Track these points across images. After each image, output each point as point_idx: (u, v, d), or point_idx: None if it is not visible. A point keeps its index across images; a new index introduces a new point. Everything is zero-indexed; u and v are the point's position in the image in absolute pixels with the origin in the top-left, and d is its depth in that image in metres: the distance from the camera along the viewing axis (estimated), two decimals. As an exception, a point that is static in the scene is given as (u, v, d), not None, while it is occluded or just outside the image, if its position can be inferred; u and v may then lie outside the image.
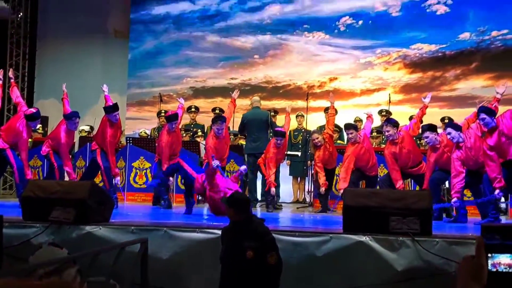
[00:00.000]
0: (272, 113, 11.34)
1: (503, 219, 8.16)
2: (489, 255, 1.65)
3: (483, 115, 7.09)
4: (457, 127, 7.58)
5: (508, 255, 1.65)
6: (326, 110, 11.22)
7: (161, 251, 5.64)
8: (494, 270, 1.62)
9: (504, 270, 1.64)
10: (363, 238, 5.32)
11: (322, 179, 9.04)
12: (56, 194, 5.95)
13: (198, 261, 5.61)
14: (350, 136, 8.93)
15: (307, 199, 11.07)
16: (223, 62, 14.35)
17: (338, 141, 11.12)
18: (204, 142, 9.95)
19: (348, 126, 9.07)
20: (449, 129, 7.56)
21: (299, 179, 11.68)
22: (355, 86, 13.82)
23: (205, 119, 12.04)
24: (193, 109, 11.80)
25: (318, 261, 5.38)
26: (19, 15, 14.65)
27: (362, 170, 8.93)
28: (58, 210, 5.78)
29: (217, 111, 10.95)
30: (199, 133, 11.17)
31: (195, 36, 14.46)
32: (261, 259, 4.78)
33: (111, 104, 8.69)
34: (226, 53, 14.33)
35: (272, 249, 4.90)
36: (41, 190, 6.06)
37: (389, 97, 12.31)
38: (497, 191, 7.08)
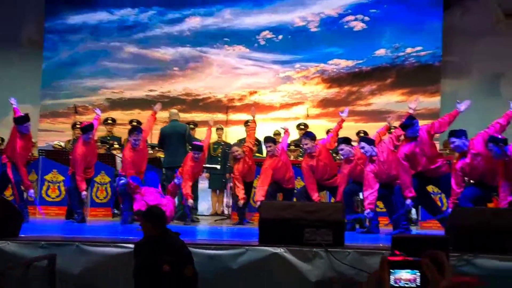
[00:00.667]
0: (191, 126, 11.28)
1: (414, 230, 8.40)
2: (391, 270, 1.67)
3: (415, 121, 7.41)
4: (370, 141, 7.85)
5: (409, 270, 1.68)
6: (246, 123, 11.27)
7: (72, 267, 5.49)
8: (396, 285, 1.65)
9: (404, 285, 1.67)
10: (278, 250, 5.37)
11: (240, 192, 9.05)
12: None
13: (111, 276, 5.50)
14: (268, 149, 9.02)
15: (225, 212, 11.05)
16: (142, 73, 14.12)
17: (257, 154, 11.17)
18: (120, 155, 9.78)
19: (267, 140, 9.17)
20: (362, 143, 7.81)
21: (218, 192, 11.64)
22: (275, 100, 13.93)
23: (122, 132, 11.77)
24: (109, 121, 11.57)
25: (234, 273, 5.39)
26: None
27: (279, 183, 9.01)
28: (-36, 225, 5.53)
29: (134, 123, 10.77)
30: (116, 146, 10.96)
31: (113, 47, 14.19)
32: (178, 272, 4.75)
33: (21, 115, 8.41)
34: (144, 64, 14.11)
35: (188, 262, 4.89)
36: None
37: (307, 111, 12.49)
38: (408, 201, 7.31)
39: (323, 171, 8.58)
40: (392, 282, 1.68)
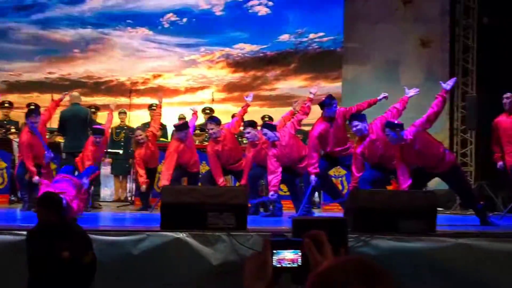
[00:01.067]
0: (93, 110, 11.00)
1: (316, 212, 8.57)
2: (274, 251, 1.69)
3: (334, 101, 7.72)
4: (272, 127, 7.97)
5: (292, 251, 1.70)
6: (150, 107, 11.14)
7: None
8: (279, 265, 1.67)
9: (288, 265, 1.69)
10: (180, 235, 5.32)
11: (142, 177, 8.95)
12: None
13: (5, 264, 5.28)
14: (182, 135, 8.82)
15: (129, 198, 10.88)
16: (41, 55, 13.54)
17: (161, 139, 11.06)
18: (17, 140, 9.41)
19: (184, 127, 8.96)
20: (265, 130, 7.95)
21: (120, 177, 11.43)
22: (179, 84, 13.79)
23: (19, 116, 11.30)
24: (6, 105, 11.08)
25: (134, 259, 5.30)
26: None
27: (184, 167, 8.96)
28: None
29: (32, 107, 10.36)
30: (13, 130, 10.52)
31: (10, 27, 13.49)
32: (76, 259, 4.63)
33: None
34: (43, 46, 13.53)
35: (87, 249, 4.78)
36: None
37: (213, 95, 12.45)
38: (312, 177, 7.49)
39: (228, 155, 8.61)
40: (275, 263, 1.69)
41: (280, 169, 7.78)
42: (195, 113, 9.48)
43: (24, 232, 5.27)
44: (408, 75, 12.84)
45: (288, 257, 1.69)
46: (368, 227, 5.45)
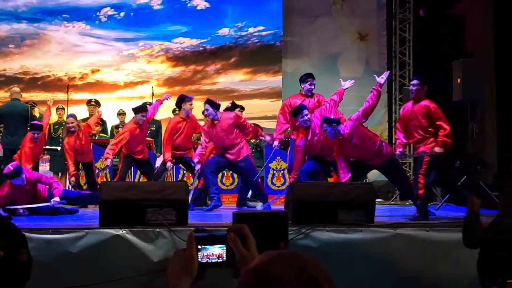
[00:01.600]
0: (31, 105, 10.78)
1: (258, 206, 8.59)
2: (200, 247, 1.68)
3: (310, 80, 7.95)
4: (215, 105, 8.03)
5: (219, 246, 1.70)
6: (88, 102, 10.98)
7: None
8: (205, 261, 1.66)
9: (214, 260, 1.68)
10: (120, 232, 5.26)
11: (70, 168, 8.77)
12: None
13: None
14: (140, 117, 8.72)
15: (68, 195, 10.67)
16: (-26, 50, 13.17)
17: (101, 134, 10.93)
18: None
19: (143, 109, 8.85)
20: (207, 106, 8.01)
21: (60, 174, 11.20)
22: (119, 79, 13.58)
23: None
24: None
25: (74, 257, 5.21)
26: None
27: (131, 154, 8.87)
28: None
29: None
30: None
31: None
32: (10, 258, 4.52)
33: None
34: (-23, 41, 13.17)
35: (22, 247, 4.66)
36: None
37: (152, 90, 12.33)
38: (276, 142, 7.97)
39: (183, 138, 8.65)
40: (201, 258, 1.69)
41: (208, 145, 8.01)
42: (161, 101, 9.30)
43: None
44: (347, 68, 13.02)
45: (216, 252, 1.69)
46: (308, 219, 5.49)
